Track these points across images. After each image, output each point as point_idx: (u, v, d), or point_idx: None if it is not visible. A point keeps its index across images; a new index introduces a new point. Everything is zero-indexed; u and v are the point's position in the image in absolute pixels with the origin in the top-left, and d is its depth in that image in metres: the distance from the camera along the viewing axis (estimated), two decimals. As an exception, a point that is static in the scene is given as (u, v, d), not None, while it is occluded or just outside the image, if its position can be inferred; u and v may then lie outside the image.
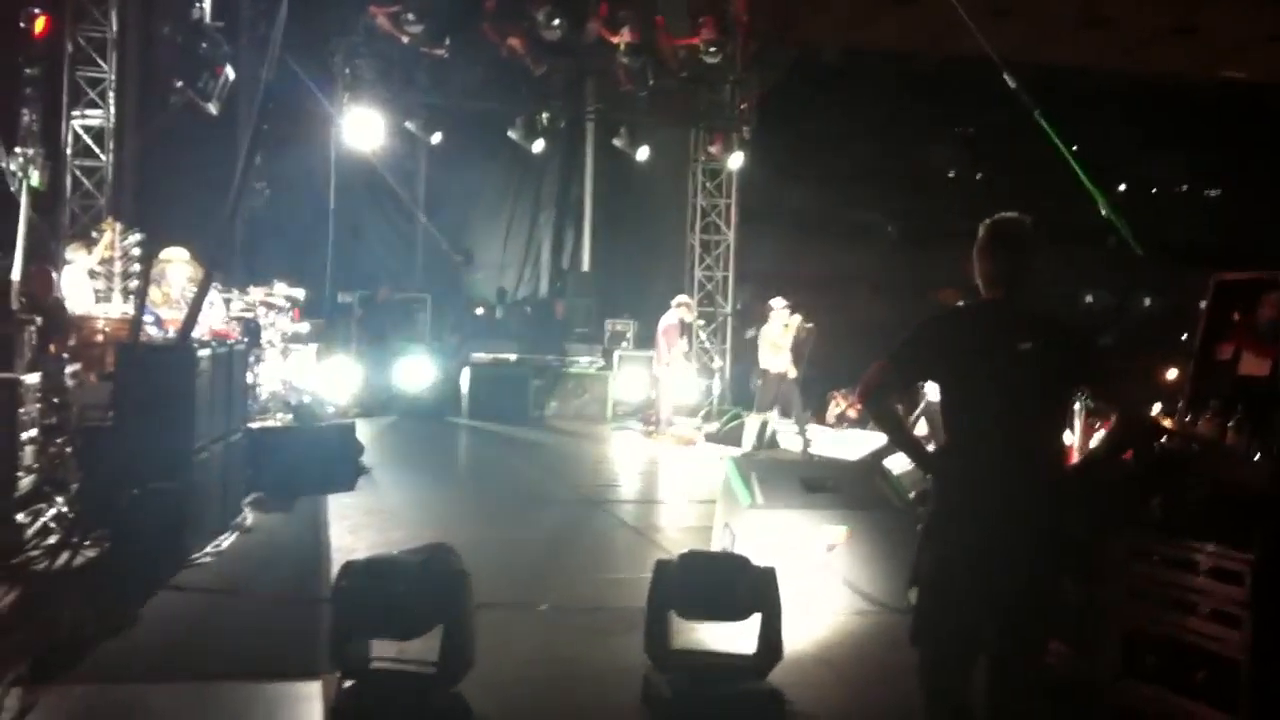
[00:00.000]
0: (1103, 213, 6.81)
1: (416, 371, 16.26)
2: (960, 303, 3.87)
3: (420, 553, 5.00)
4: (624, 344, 17.79)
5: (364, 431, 11.42)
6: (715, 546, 7.40)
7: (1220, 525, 4.83)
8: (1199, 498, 5.09)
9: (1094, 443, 6.25)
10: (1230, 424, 5.62)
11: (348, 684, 4.83)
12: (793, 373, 13.62)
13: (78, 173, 11.41)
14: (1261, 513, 4.74)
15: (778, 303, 13.64)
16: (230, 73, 10.10)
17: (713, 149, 18.21)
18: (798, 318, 13.68)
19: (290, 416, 10.46)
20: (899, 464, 10.24)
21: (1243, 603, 4.59)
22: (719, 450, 13.32)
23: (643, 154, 17.77)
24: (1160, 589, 5.01)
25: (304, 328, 11.40)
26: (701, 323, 18.11)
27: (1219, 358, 6.15)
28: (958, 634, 3.87)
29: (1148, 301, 26.27)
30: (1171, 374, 11.39)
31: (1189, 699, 4.81)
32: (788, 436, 14.07)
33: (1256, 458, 5.35)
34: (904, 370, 4.07)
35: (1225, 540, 4.74)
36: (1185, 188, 28.22)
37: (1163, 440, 5.67)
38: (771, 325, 13.64)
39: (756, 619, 5.11)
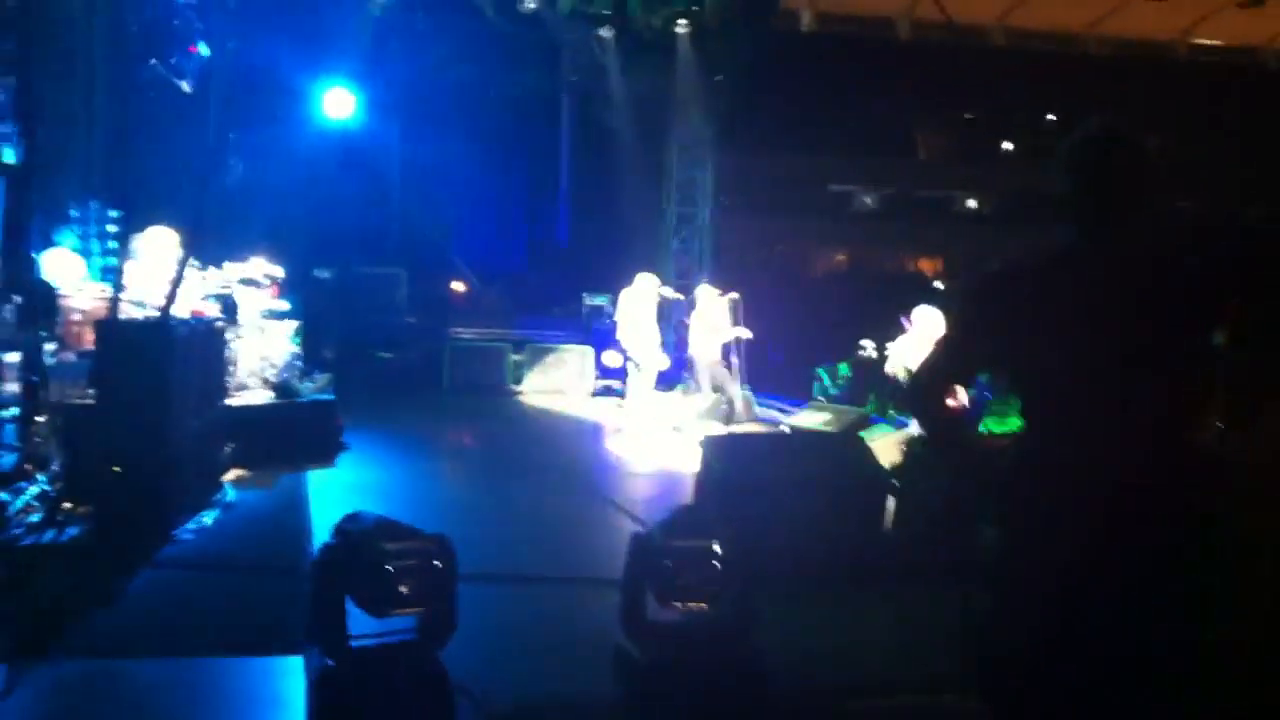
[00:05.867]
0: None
1: (396, 347, 16.35)
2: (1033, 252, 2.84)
3: (400, 530, 5.06)
4: (602, 318, 17.88)
5: (344, 407, 11.48)
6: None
7: None
8: None
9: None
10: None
11: (328, 659, 4.91)
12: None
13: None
14: None
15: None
16: (203, 49, 10.11)
17: (689, 123, 18.33)
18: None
19: (270, 393, 10.51)
20: (876, 435, 10.42)
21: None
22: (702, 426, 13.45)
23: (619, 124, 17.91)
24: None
25: (283, 304, 11.42)
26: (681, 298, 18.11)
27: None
28: None
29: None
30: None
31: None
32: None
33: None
34: (960, 357, 3.05)
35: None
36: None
37: None
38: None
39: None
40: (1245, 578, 2.64)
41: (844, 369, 16.55)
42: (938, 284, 25.76)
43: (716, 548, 5.09)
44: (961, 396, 9.65)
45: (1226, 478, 2.68)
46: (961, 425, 3.01)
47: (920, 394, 3.09)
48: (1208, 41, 22.20)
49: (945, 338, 3.11)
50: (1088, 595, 2.63)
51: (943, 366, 3.06)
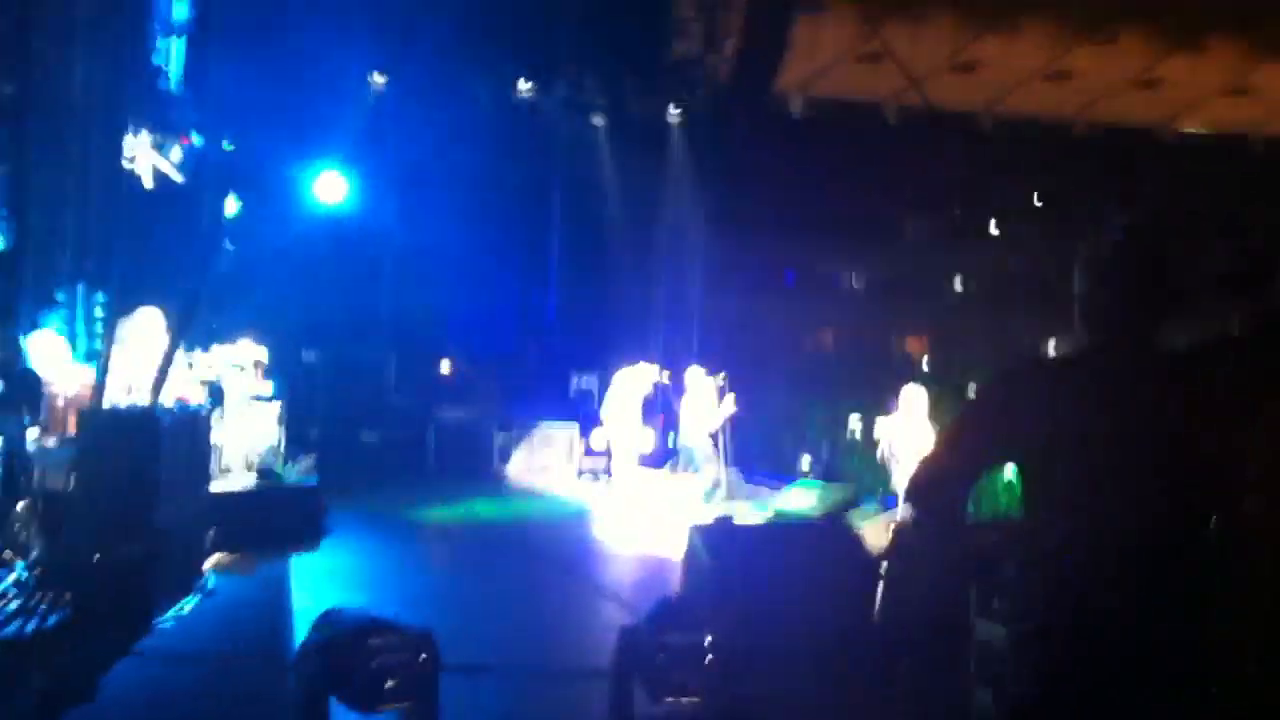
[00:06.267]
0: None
1: (379, 429, 16.34)
2: (1056, 352, 2.56)
3: (383, 626, 5.00)
4: (589, 399, 17.86)
5: (327, 491, 11.41)
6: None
7: None
8: None
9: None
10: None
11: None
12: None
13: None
14: None
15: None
16: (197, 139, 10.23)
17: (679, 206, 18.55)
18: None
19: (253, 477, 10.45)
20: (863, 516, 10.39)
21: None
22: (684, 507, 13.41)
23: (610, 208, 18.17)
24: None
25: (267, 388, 11.40)
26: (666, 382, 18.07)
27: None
28: None
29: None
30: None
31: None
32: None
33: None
34: (968, 460, 2.89)
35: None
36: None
37: None
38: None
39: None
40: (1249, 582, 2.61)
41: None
42: (924, 364, 25.85)
43: (709, 642, 5.06)
44: None
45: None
46: (964, 526, 2.80)
47: (926, 496, 2.90)
48: (1195, 130, 22.52)
49: (954, 439, 2.94)
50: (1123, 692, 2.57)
51: (953, 469, 2.87)
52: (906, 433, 11.47)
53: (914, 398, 11.57)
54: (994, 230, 26.42)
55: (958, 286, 28.50)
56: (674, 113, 18.74)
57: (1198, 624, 2.52)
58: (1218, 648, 2.54)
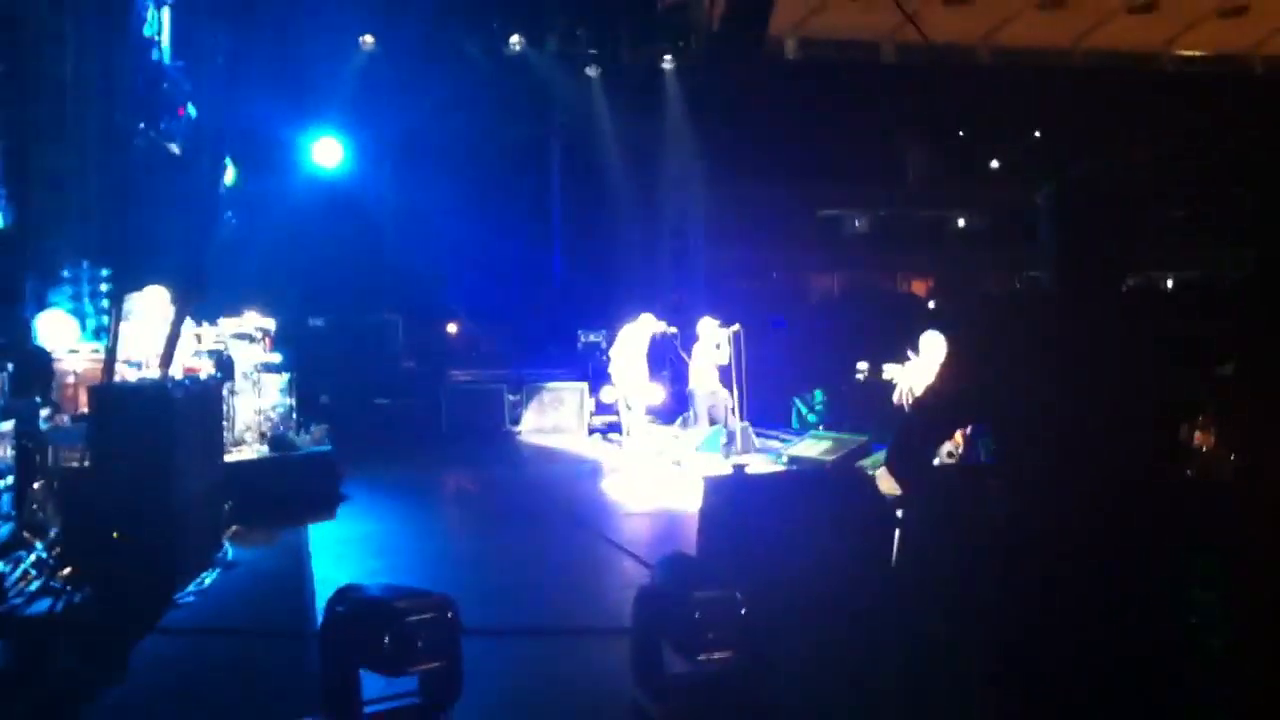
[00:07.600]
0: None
1: (389, 394, 16.36)
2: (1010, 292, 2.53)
3: (405, 591, 5.01)
4: (597, 355, 17.85)
5: (341, 458, 11.43)
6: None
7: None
8: None
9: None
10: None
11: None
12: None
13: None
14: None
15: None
16: (192, 111, 10.17)
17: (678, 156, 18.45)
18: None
19: (266, 447, 10.46)
20: (876, 464, 10.34)
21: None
22: (701, 459, 13.42)
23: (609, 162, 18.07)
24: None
25: (276, 358, 11.39)
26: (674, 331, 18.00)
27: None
28: None
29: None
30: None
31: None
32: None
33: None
34: (936, 423, 2.92)
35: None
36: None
37: None
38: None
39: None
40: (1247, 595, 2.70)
41: (819, 395, 16.60)
42: (932, 304, 25.78)
43: (739, 597, 5.03)
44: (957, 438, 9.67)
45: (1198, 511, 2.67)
46: (939, 491, 2.78)
47: (902, 467, 2.84)
48: (1191, 52, 22.34)
49: (922, 401, 2.94)
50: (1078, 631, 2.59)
51: (919, 436, 2.88)
52: (925, 379, 11.31)
53: (933, 344, 11.40)
54: (994, 165, 26.28)
55: (960, 224, 28.38)
56: (668, 61, 18.59)
57: (1171, 580, 2.53)
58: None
